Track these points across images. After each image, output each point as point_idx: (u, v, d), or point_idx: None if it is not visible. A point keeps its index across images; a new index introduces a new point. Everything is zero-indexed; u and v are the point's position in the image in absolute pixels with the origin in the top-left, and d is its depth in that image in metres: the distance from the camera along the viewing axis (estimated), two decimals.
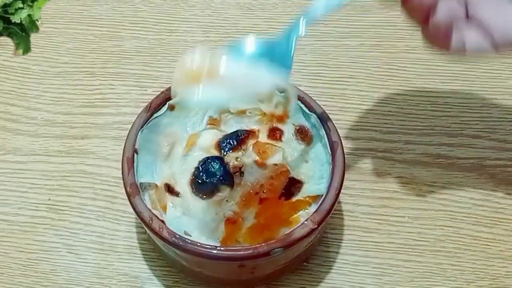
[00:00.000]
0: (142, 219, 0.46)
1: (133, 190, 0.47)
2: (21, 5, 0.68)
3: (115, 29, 0.69)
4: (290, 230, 0.45)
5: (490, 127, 0.61)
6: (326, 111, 0.60)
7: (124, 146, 0.49)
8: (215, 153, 0.51)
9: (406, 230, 0.55)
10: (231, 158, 0.51)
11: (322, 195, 0.47)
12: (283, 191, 0.49)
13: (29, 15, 0.68)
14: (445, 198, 0.56)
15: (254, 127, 0.53)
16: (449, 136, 0.60)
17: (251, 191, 0.49)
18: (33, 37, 0.69)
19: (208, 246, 0.44)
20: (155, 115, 0.51)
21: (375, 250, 0.54)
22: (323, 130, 0.50)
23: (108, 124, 0.62)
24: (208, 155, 0.51)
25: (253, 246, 0.44)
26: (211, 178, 0.49)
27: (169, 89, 0.51)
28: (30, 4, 0.69)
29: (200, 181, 0.49)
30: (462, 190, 0.57)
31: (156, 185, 0.49)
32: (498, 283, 0.52)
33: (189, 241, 0.45)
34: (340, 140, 0.49)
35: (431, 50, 0.44)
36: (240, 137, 0.52)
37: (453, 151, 0.59)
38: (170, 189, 0.49)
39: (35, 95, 0.64)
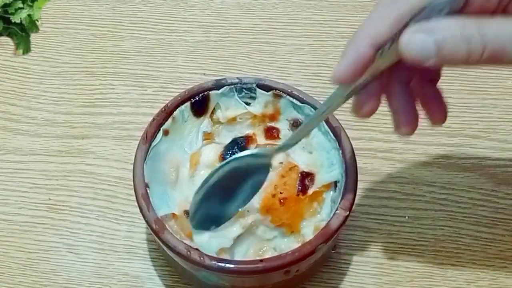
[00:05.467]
0: (178, 254, 0.44)
1: (160, 226, 0.45)
2: (21, 5, 0.68)
3: (115, 29, 0.69)
4: (326, 223, 0.45)
5: (490, 127, 0.61)
6: None
7: (134, 183, 0.47)
8: None
9: (406, 230, 0.55)
10: None
11: (337, 182, 0.48)
12: (299, 186, 0.49)
13: (29, 15, 0.68)
14: (445, 198, 0.56)
15: (248, 131, 0.53)
16: (449, 136, 0.60)
17: (268, 195, 0.49)
18: (33, 37, 0.69)
19: (254, 261, 0.44)
20: (152, 144, 0.49)
21: (375, 250, 0.54)
22: None
23: (108, 124, 0.62)
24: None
25: (298, 249, 0.44)
26: None
27: (159, 114, 0.50)
28: (30, 4, 0.69)
29: None
30: (462, 190, 0.57)
31: (174, 214, 0.48)
32: (498, 283, 0.52)
33: (234, 262, 0.44)
34: (341, 125, 0.50)
35: None
36: (241, 145, 0.52)
37: (453, 151, 0.59)
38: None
39: (35, 95, 0.64)
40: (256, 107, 0.53)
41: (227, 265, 0.44)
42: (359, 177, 0.50)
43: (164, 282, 0.52)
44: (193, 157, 0.51)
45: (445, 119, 0.42)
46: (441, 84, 0.64)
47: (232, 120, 0.53)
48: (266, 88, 0.52)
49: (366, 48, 0.36)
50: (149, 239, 0.54)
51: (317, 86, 0.64)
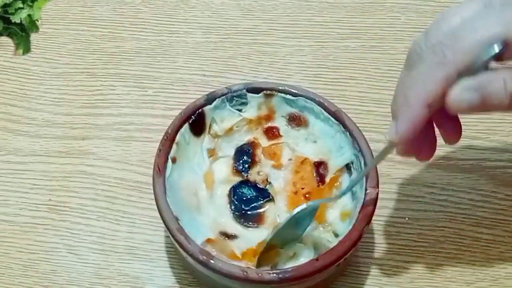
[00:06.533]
0: (236, 278, 0.43)
1: (207, 256, 0.44)
2: (21, 5, 0.68)
3: (116, 30, 0.70)
4: (362, 204, 0.46)
5: (490, 128, 0.61)
6: None
7: (164, 220, 0.46)
8: (237, 178, 0.51)
9: (406, 231, 0.55)
10: (254, 175, 0.51)
11: (349, 164, 0.50)
12: (317, 177, 0.49)
13: (29, 15, 0.68)
14: (445, 199, 0.56)
15: (248, 137, 0.53)
16: None
17: (290, 194, 0.49)
18: (34, 38, 0.69)
19: (311, 262, 0.44)
20: (166, 175, 0.48)
21: (375, 251, 0.54)
22: (317, 107, 0.51)
23: (108, 125, 0.62)
24: (231, 185, 0.50)
25: (347, 237, 0.44)
26: (249, 203, 0.49)
27: (163, 143, 0.49)
28: (30, 4, 0.70)
29: (243, 212, 0.49)
30: (462, 191, 0.57)
31: (209, 239, 0.47)
32: (498, 284, 0.52)
33: (291, 270, 0.43)
34: (340, 108, 0.51)
35: None
36: (249, 152, 0.52)
37: (453, 152, 0.59)
38: (227, 236, 0.47)
39: (36, 96, 0.64)
40: (250, 112, 0.53)
41: (287, 274, 0.43)
42: None
43: (164, 283, 0.52)
44: (207, 177, 0.51)
45: (459, 138, 0.44)
46: None
47: (229, 131, 0.53)
48: (256, 90, 0.52)
49: (422, 109, 0.38)
50: (149, 239, 0.54)
51: (318, 87, 0.64)
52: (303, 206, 0.46)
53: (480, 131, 0.60)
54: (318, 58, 0.67)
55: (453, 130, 0.43)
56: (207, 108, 0.52)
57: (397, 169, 0.58)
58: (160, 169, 0.48)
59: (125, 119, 0.62)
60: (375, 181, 0.47)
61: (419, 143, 0.42)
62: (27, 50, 0.68)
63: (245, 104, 0.53)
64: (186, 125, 0.51)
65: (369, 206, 0.46)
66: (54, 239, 0.55)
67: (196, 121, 0.51)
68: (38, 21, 0.70)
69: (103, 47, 0.68)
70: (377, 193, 0.47)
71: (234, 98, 0.52)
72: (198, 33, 0.69)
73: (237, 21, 0.70)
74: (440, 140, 0.59)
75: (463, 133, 0.59)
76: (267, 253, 0.47)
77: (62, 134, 0.61)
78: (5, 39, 0.69)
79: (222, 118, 0.53)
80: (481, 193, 0.57)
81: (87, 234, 0.55)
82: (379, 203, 0.55)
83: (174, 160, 0.49)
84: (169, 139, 0.50)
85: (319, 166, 0.50)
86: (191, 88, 0.64)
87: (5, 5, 0.68)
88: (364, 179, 0.47)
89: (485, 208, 0.56)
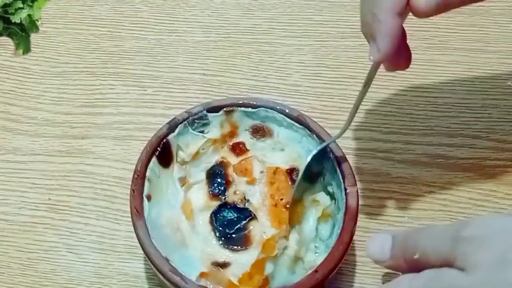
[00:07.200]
0: None
1: None
2: (21, 5, 0.68)
3: (115, 29, 0.69)
4: (345, 204, 0.47)
5: (489, 127, 0.61)
6: (325, 111, 0.61)
7: (154, 264, 0.45)
8: (215, 202, 0.50)
9: None
10: (231, 196, 0.50)
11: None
12: (292, 185, 0.49)
13: (29, 15, 0.68)
14: (445, 198, 0.56)
15: (216, 157, 0.53)
16: (448, 136, 0.60)
17: (271, 207, 0.49)
18: (33, 37, 0.69)
19: (311, 274, 0.44)
20: (145, 217, 0.47)
21: None
22: (279, 114, 0.51)
23: (108, 124, 0.62)
24: (211, 210, 0.49)
25: (339, 241, 0.45)
26: (233, 226, 0.48)
27: (136, 183, 0.48)
28: (30, 4, 0.69)
29: (229, 236, 0.48)
30: (462, 190, 0.57)
31: (203, 273, 0.46)
32: None
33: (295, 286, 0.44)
34: (302, 112, 0.51)
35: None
36: (222, 173, 0.51)
37: (453, 151, 0.59)
38: (220, 265, 0.47)
39: (35, 95, 0.64)
40: (213, 131, 0.53)
41: None
42: (359, 177, 0.50)
43: None
44: (185, 208, 0.50)
45: (409, 63, 0.46)
46: (441, 84, 0.65)
47: (196, 155, 0.52)
48: (216, 109, 0.52)
49: (394, 19, 0.41)
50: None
51: (317, 86, 0.64)
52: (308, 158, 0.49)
53: (480, 130, 0.60)
54: (318, 57, 0.67)
55: (404, 56, 0.46)
56: (171, 137, 0.51)
57: (397, 168, 0.58)
58: (138, 211, 0.46)
59: (124, 118, 0.62)
60: (353, 179, 0.48)
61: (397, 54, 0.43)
62: (27, 50, 0.68)
63: (207, 124, 0.52)
64: (153, 159, 0.49)
65: (353, 205, 0.47)
66: (53, 238, 0.55)
67: (162, 152, 0.50)
68: (38, 21, 0.70)
69: (103, 46, 0.68)
70: (357, 191, 0.47)
71: (195, 121, 0.52)
72: (198, 32, 0.69)
73: (237, 20, 0.70)
74: (439, 139, 0.60)
75: (463, 132, 0.60)
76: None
77: (61, 133, 0.61)
78: (5, 39, 0.69)
79: (187, 144, 0.52)
80: (481, 192, 0.56)
81: (87, 233, 0.55)
82: (378, 202, 0.56)
83: (149, 198, 0.48)
84: (140, 177, 0.48)
85: (292, 172, 0.50)
86: (191, 87, 0.64)
87: (5, 5, 0.67)
88: (342, 179, 0.48)
89: (485, 207, 0.56)
